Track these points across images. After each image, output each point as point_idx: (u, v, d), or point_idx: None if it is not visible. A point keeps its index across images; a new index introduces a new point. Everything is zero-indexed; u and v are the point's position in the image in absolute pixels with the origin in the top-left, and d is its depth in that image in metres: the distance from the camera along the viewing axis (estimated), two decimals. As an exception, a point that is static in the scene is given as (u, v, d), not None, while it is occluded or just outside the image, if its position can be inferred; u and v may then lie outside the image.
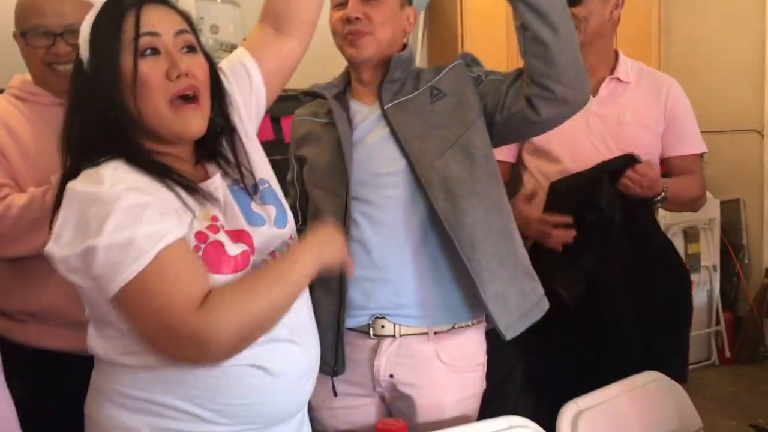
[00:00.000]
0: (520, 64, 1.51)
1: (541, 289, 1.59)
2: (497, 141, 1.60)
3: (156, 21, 1.12)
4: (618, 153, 1.97)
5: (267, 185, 1.26)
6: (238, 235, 1.14)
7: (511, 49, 3.80)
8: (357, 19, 1.50)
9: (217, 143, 1.24)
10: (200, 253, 1.08)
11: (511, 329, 1.48)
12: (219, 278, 1.08)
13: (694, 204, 2.15)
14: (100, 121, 1.11)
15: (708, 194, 3.76)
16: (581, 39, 1.92)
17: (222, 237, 1.12)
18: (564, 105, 1.47)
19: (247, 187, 1.22)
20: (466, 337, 1.56)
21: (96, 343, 1.17)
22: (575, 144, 1.99)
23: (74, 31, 1.62)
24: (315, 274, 1.16)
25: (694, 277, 3.65)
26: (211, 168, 1.23)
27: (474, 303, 1.53)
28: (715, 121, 4.07)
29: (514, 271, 1.52)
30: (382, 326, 1.51)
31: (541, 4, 1.39)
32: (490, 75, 1.59)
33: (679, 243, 3.68)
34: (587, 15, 1.95)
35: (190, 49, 1.15)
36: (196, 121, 1.14)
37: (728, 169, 4.07)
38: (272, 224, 1.21)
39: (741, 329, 3.92)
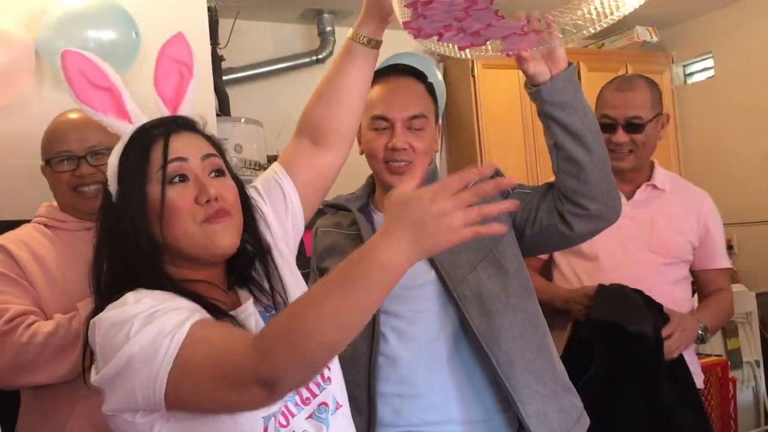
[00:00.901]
0: (539, 165, 1.52)
1: (580, 404, 1.53)
2: (525, 253, 1.58)
3: (183, 147, 1.11)
4: (649, 255, 2.00)
5: None
6: None
7: (529, 152, 3.88)
8: (404, 149, 1.52)
9: (249, 267, 1.19)
10: None
11: None
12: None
13: (728, 322, 2.16)
14: (126, 254, 1.09)
15: (743, 287, 3.72)
16: (637, 163, 2.03)
17: None
18: (597, 221, 1.47)
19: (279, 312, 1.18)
20: None
21: None
22: (604, 244, 1.99)
23: (97, 153, 1.69)
24: (404, 268, 0.93)
25: (736, 374, 3.51)
26: (243, 294, 1.18)
27: (504, 419, 1.48)
28: (740, 214, 4.05)
29: (553, 388, 1.46)
30: None
31: (576, 125, 1.40)
32: (517, 188, 1.59)
33: (717, 339, 3.57)
34: (645, 141, 2.00)
35: (219, 172, 1.14)
36: (228, 235, 1.10)
37: (761, 260, 4.02)
38: None
39: (793, 428, 3.73)
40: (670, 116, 2.16)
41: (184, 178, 1.10)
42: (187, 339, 0.97)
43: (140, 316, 0.99)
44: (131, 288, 1.06)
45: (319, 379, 1.13)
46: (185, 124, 1.15)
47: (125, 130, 1.14)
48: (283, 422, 1.07)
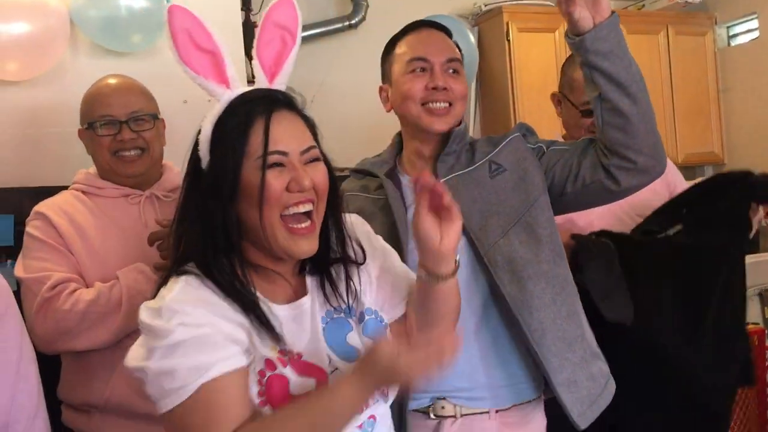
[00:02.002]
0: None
1: (607, 369, 1.53)
2: (566, 209, 1.58)
3: (284, 137, 1.08)
4: (634, 216, 1.97)
5: (373, 316, 1.18)
6: (309, 370, 1.08)
7: (565, 117, 3.81)
8: (444, 89, 1.51)
9: (326, 260, 1.17)
10: (264, 380, 1.05)
11: (583, 418, 1.42)
12: None
13: None
14: (208, 226, 1.08)
15: (782, 255, 3.64)
16: None
17: (288, 372, 1.06)
18: (643, 174, 1.45)
19: (348, 317, 1.16)
20: (528, 414, 1.50)
21: None
22: (599, 213, 1.95)
23: (138, 119, 1.71)
24: (366, 402, 1.05)
25: (775, 342, 3.46)
26: (312, 283, 1.16)
27: (536, 382, 1.49)
28: (784, 178, 3.95)
29: (583, 355, 1.46)
30: (443, 407, 1.46)
31: (621, 75, 1.38)
32: (553, 145, 1.57)
33: (755, 307, 3.51)
34: None
35: (314, 160, 1.12)
36: (308, 244, 1.10)
37: (802, 227, 3.91)
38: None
39: (833, 397, 3.66)
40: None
41: (281, 165, 1.08)
42: (191, 398, 0.98)
43: (165, 343, 1.00)
44: (201, 261, 1.07)
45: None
46: (285, 102, 1.12)
47: (222, 95, 1.11)
48: None
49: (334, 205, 1.17)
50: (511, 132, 1.60)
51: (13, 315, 1.23)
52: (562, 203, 1.54)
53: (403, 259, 1.44)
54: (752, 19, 4.16)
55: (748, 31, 4.22)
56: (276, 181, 1.07)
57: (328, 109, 3.58)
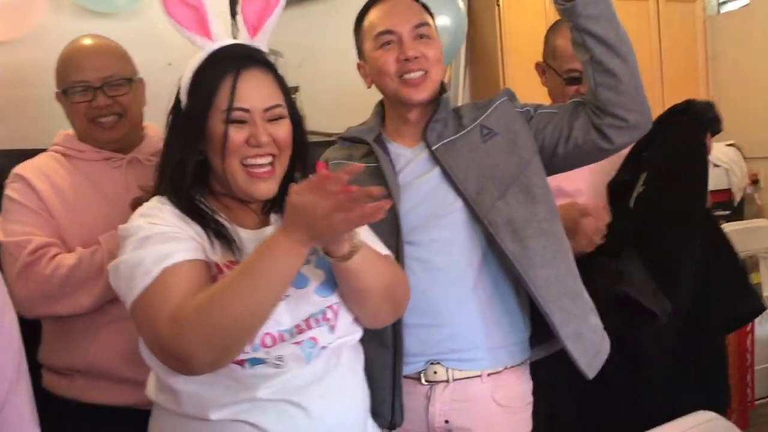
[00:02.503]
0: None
1: (600, 323, 1.56)
2: (557, 170, 1.61)
3: (250, 94, 1.20)
4: (610, 171, 2.00)
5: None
6: None
7: (554, 84, 3.79)
8: (416, 58, 1.50)
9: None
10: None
11: (591, 368, 1.47)
12: None
13: None
14: (179, 163, 1.22)
15: (766, 222, 3.68)
16: None
17: None
18: (633, 131, 1.50)
19: None
20: (517, 377, 1.54)
21: (149, 385, 1.24)
22: (585, 178, 1.99)
23: (113, 84, 1.67)
24: (303, 254, 1.10)
25: (756, 309, 3.51)
26: (275, 219, 1.28)
27: (525, 341, 1.53)
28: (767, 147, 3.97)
29: (584, 308, 1.51)
30: (435, 372, 1.48)
31: (611, 37, 1.43)
32: (540, 109, 1.59)
33: (738, 274, 3.55)
34: None
35: (278, 117, 1.23)
36: (266, 186, 1.23)
37: (784, 195, 3.96)
38: (313, 290, 1.21)
39: (810, 362, 3.74)
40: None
41: (242, 121, 1.20)
42: (154, 283, 1.10)
43: (137, 237, 1.15)
44: (172, 188, 1.22)
45: (320, 317, 1.21)
46: (259, 60, 1.24)
47: (205, 46, 1.24)
48: (269, 342, 1.15)
49: (302, 158, 1.29)
50: (497, 97, 1.61)
51: None
52: (553, 164, 1.57)
53: (397, 221, 1.45)
54: (743, -14, 4.14)
55: (738, -3, 4.21)
56: (237, 135, 1.19)
57: (317, 74, 3.56)
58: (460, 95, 3.80)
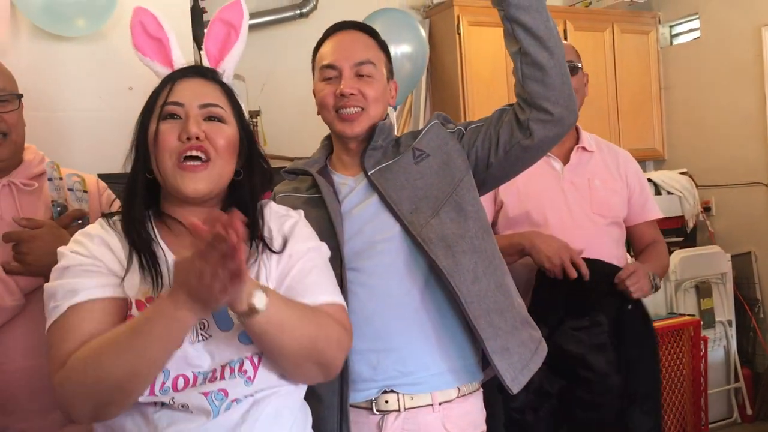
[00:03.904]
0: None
1: (538, 334, 1.58)
2: (493, 183, 1.64)
3: (185, 92, 1.20)
4: (594, 216, 2.06)
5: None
6: None
7: (513, 111, 3.86)
8: (352, 94, 1.53)
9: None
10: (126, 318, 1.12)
11: (516, 382, 1.47)
12: None
13: (665, 273, 2.24)
14: (130, 179, 1.21)
15: (718, 248, 3.78)
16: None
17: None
18: (558, 125, 1.52)
19: None
20: (470, 404, 1.53)
21: None
22: (553, 209, 2.06)
23: (1, 99, 1.57)
24: (186, 318, 1.00)
25: (708, 333, 3.59)
26: None
27: (476, 362, 1.53)
28: (721, 175, 4.09)
29: (513, 323, 1.51)
30: (386, 401, 1.47)
31: (540, 28, 1.46)
32: (470, 125, 1.63)
33: (691, 299, 3.64)
34: (577, 88, 2.02)
35: (217, 119, 1.21)
36: (194, 182, 1.16)
37: (737, 222, 4.07)
38: (237, 335, 1.12)
39: (761, 385, 3.82)
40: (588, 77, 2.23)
41: (174, 116, 1.18)
42: (59, 319, 1.09)
43: (60, 265, 1.14)
44: (124, 209, 1.20)
45: (237, 366, 1.12)
46: (200, 72, 1.24)
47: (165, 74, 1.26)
48: (180, 385, 1.09)
49: (261, 180, 1.26)
50: (429, 120, 1.65)
51: None
52: (490, 176, 1.60)
53: (339, 249, 1.46)
54: (694, 20, 4.29)
55: (690, 30, 4.35)
56: (168, 130, 1.17)
57: (278, 97, 3.57)
58: (421, 119, 3.85)
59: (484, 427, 1.56)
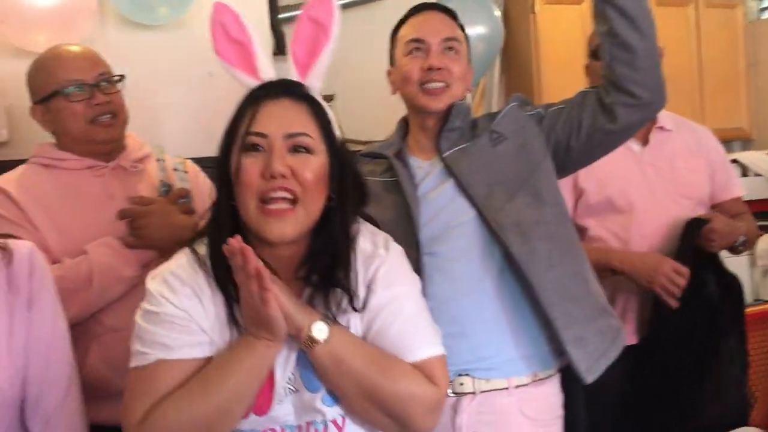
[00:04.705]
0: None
1: (617, 323, 1.56)
2: (573, 167, 1.61)
3: (270, 120, 1.09)
4: (679, 198, 2.02)
5: None
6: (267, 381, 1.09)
7: (590, 92, 3.76)
8: (439, 69, 1.53)
9: (325, 274, 1.12)
10: None
11: (591, 372, 1.45)
12: None
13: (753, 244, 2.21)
14: (214, 210, 1.15)
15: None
16: None
17: None
18: (645, 110, 1.48)
19: None
20: (546, 389, 1.53)
21: None
22: (636, 194, 2.02)
23: (108, 80, 1.65)
24: (258, 347, 1.05)
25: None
26: (307, 294, 1.13)
27: (551, 350, 1.51)
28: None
29: (590, 312, 1.49)
30: (461, 384, 1.48)
31: (632, 8, 1.42)
32: (550, 107, 1.60)
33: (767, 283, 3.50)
34: None
35: (304, 149, 1.10)
36: (280, 228, 1.08)
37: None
38: (320, 397, 1.10)
39: None
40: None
41: (257, 147, 1.09)
42: (146, 367, 1.07)
43: (150, 305, 1.10)
44: (209, 243, 1.12)
45: (321, 427, 1.11)
46: (287, 90, 1.13)
47: (252, 86, 1.15)
48: None
49: (344, 202, 1.14)
50: (507, 103, 1.63)
51: (48, 289, 1.26)
52: (569, 160, 1.57)
53: (416, 234, 1.46)
54: (785, -8, 4.08)
55: (780, 3, 4.14)
56: (251, 165, 1.08)
57: (355, 82, 3.59)
58: (494, 103, 3.80)
59: (561, 412, 1.55)
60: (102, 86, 1.65)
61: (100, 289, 1.55)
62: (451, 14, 1.63)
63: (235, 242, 0.98)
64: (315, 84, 1.17)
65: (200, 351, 1.09)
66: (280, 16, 3.43)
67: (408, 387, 1.09)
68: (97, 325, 1.59)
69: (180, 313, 1.08)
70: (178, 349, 1.07)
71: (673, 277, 1.85)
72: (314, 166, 1.10)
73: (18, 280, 1.20)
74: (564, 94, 1.81)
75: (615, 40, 1.44)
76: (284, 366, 1.10)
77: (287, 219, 1.08)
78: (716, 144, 2.17)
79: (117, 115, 1.69)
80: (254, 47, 1.16)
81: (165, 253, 1.25)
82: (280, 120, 1.10)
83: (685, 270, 1.86)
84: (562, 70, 3.67)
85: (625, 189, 2.02)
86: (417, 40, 1.56)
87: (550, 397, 1.53)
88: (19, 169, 1.71)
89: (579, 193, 2.05)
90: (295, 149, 1.10)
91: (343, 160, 1.15)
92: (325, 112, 1.15)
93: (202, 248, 1.14)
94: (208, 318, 1.10)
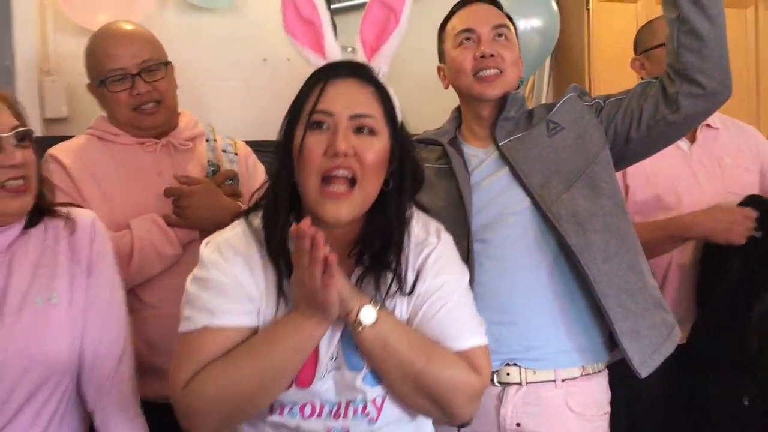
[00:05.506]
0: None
1: (671, 319, 1.54)
2: (632, 159, 1.59)
3: (336, 99, 1.11)
4: (728, 196, 1.99)
5: None
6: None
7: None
8: (491, 56, 1.53)
9: (378, 256, 1.14)
10: None
11: (645, 366, 1.44)
12: None
13: None
14: (273, 184, 1.16)
15: None
16: None
17: None
18: (710, 100, 1.45)
19: None
20: (594, 384, 1.52)
21: None
22: (686, 191, 2.00)
23: (149, 69, 1.67)
24: (315, 328, 1.06)
25: None
26: (357, 274, 1.15)
27: (602, 343, 1.50)
28: None
29: (645, 305, 1.47)
30: (508, 374, 1.48)
31: None
32: (609, 98, 1.59)
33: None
34: None
35: (368, 131, 1.12)
36: (336, 210, 1.10)
37: None
38: (362, 377, 1.11)
39: None
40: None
41: (321, 125, 1.11)
42: (193, 333, 1.09)
43: (200, 271, 1.12)
44: (264, 215, 1.14)
45: (360, 407, 1.13)
46: (354, 71, 1.14)
47: (318, 65, 1.17)
48: (307, 413, 1.12)
49: (401, 185, 1.16)
50: (566, 93, 1.62)
51: (108, 258, 1.30)
52: (629, 152, 1.56)
53: (467, 221, 1.47)
54: None
55: None
56: (314, 142, 1.10)
57: (406, 73, 3.57)
58: (543, 98, 3.77)
59: (608, 409, 1.54)
60: (144, 75, 1.68)
61: (139, 264, 1.59)
62: (496, 3, 1.64)
63: (306, 226, 0.99)
64: (381, 67, 1.18)
65: (247, 320, 1.10)
66: (333, 6, 3.46)
67: (452, 375, 1.11)
68: (135, 300, 1.62)
69: (229, 281, 1.10)
70: (224, 316, 1.09)
71: (748, 223, 1.84)
72: (376, 148, 1.12)
73: (80, 248, 1.25)
74: (615, 91, 1.80)
75: (684, 27, 1.42)
76: (328, 343, 1.11)
77: (343, 202, 1.10)
78: (764, 141, 2.15)
79: (161, 102, 1.72)
80: (324, 28, 1.18)
81: (205, 234, 1.25)
82: (347, 100, 1.11)
83: (753, 213, 1.85)
84: (615, 69, 3.61)
85: (674, 186, 2.01)
86: (467, 30, 1.57)
87: (597, 392, 1.52)
88: (76, 140, 1.77)
89: (624, 190, 2.03)
90: (359, 130, 1.11)
91: (403, 144, 1.17)
92: (390, 95, 1.17)
93: (256, 221, 1.16)
94: (258, 289, 1.12)
